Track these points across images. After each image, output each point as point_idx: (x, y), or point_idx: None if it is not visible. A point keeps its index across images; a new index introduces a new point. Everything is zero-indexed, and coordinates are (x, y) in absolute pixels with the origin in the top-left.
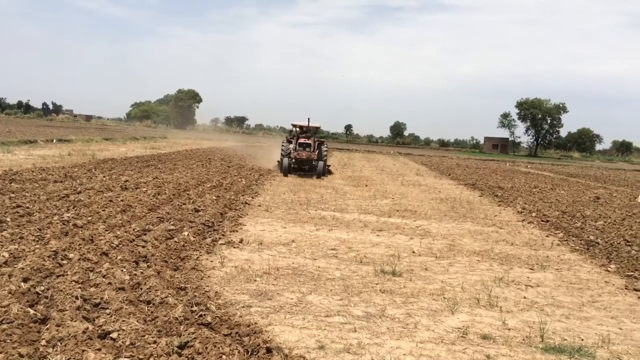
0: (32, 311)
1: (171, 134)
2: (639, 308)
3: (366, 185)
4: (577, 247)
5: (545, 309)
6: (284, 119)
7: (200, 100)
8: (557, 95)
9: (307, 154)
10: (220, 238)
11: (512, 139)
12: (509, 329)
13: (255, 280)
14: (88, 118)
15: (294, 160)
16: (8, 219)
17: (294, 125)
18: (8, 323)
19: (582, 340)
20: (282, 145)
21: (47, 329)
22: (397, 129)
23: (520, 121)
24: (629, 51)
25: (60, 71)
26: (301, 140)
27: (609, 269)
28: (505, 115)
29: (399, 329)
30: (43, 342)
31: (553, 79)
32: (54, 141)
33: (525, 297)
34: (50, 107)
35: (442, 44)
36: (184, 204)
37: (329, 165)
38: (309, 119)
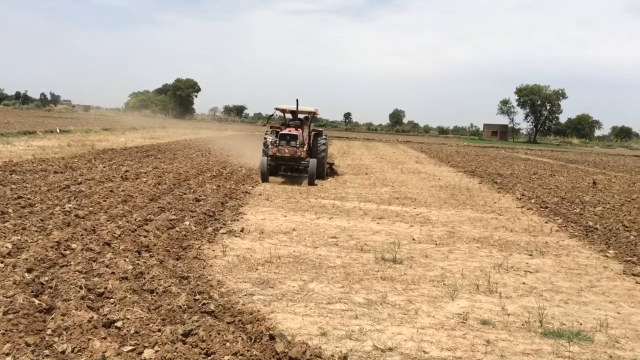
0: (37, 301)
1: (170, 124)
2: (637, 293)
3: (366, 174)
4: (576, 233)
5: (544, 295)
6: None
7: (198, 90)
8: (556, 81)
9: (291, 149)
10: (221, 227)
11: (512, 125)
12: (509, 315)
13: (257, 269)
14: (86, 108)
15: (271, 159)
16: (10, 210)
17: (282, 111)
18: (14, 313)
19: (581, 324)
20: (264, 139)
21: (53, 318)
22: (396, 117)
23: (519, 108)
24: (627, 36)
25: (58, 61)
26: (284, 131)
27: (607, 254)
28: (505, 102)
29: (400, 316)
30: (49, 332)
31: (552, 65)
32: (58, 131)
33: (524, 283)
34: (49, 97)
35: (441, 31)
36: (185, 193)
37: (332, 163)
38: (297, 100)
